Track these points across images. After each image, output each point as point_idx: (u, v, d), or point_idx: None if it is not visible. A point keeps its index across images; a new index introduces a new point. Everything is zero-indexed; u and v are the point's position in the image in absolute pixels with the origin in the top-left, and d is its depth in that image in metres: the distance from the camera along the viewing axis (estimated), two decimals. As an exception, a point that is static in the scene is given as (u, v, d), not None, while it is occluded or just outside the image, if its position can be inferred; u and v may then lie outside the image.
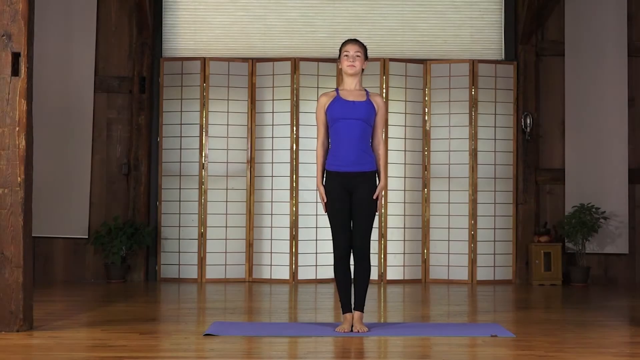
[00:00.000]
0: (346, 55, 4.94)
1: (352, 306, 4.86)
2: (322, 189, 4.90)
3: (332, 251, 7.91)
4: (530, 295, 7.09)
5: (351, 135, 4.81)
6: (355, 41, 5.00)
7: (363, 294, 4.85)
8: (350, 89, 4.92)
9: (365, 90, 4.97)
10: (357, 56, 4.93)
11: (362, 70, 4.98)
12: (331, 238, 4.91)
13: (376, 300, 6.78)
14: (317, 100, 4.99)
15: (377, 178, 4.91)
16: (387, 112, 7.63)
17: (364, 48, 4.99)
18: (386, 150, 4.92)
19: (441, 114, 8.14)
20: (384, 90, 8.03)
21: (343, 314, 4.88)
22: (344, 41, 5.05)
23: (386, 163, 5.01)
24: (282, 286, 7.65)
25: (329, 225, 4.90)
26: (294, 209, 7.99)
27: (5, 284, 4.70)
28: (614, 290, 7.56)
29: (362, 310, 4.86)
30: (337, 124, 4.84)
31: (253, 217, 8.06)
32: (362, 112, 4.83)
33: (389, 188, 7.98)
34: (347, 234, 4.84)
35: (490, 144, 8.15)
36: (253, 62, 8.19)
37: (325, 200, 4.88)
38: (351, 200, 4.85)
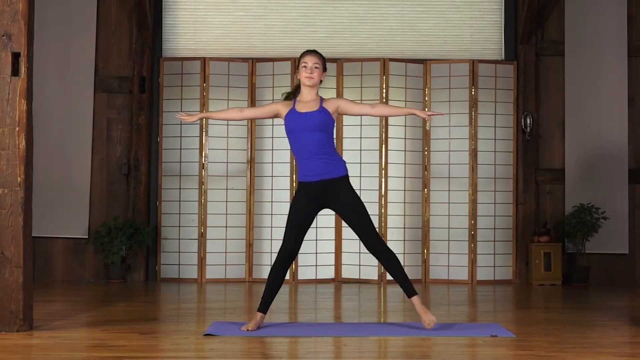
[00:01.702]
0: (304, 67, 4.92)
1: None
2: (195, 116, 5.11)
3: (332, 251, 7.97)
4: (530, 295, 7.09)
5: (309, 146, 4.81)
6: (314, 52, 4.98)
7: (406, 279, 4.84)
8: (307, 100, 4.92)
9: (320, 97, 4.96)
10: (316, 67, 4.91)
11: (321, 81, 4.96)
12: (283, 238, 4.92)
13: (376, 300, 6.79)
14: (278, 101, 5.04)
15: (348, 182, 4.88)
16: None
17: (322, 60, 4.97)
18: (382, 104, 4.93)
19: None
20: (384, 90, 8.03)
21: (257, 310, 4.89)
22: (303, 52, 5.03)
23: (392, 106, 5.10)
24: (282, 286, 7.63)
25: (285, 226, 4.93)
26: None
27: (5, 284, 4.70)
28: (614, 290, 7.56)
29: (417, 293, 4.84)
30: (293, 135, 4.85)
31: (253, 217, 8.06)
32: (316, 121, 4.82)
33: (389, 188, 7.99)
34: (297, 240, 4.86)
35: (490, 144, 8.15)
36: (253, 62, 8.20)
37: (182, 116, 5.10)
38: (336, 210, 4.87)
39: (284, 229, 7.86)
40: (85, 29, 8.10)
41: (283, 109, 4.93)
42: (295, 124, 4.84)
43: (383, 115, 5.20)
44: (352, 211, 4.83)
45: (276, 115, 4.99)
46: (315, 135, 4.82)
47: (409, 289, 4.86)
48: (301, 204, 4.87)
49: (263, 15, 8.36)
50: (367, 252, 7.99)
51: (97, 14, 8.14)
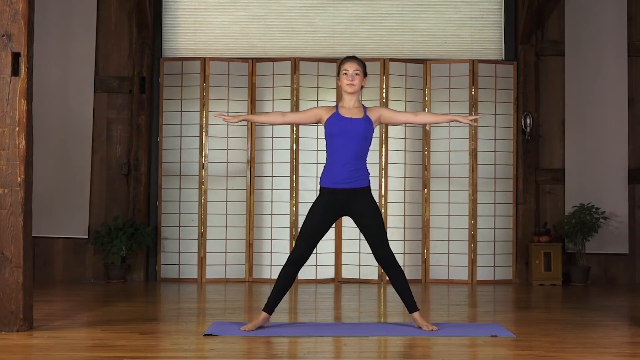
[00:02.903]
0: (345, 74, 4.94)
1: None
2: (237, 118, 4.99)
3: (332, 251, 7.97)
4: (530, 295, 7.09)
5: (347, 153, 4.83)
6: (354, 59, 4.99)
7: (410, 294, 4.89)
8: (349, 107, 4.93)
9: (363, 106, 4.99)
10: (357, 74, 4.93)
11: (362, 87, 4.98)
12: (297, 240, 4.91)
13: (376, 300, 6.79)
14: (319, 106, 5.01)
15: (371, 193, 4.91)
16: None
17: (363, 66, 4.99)
18: (424, 112, 5.00)
19: (441, 114, 8.14)
20: (384, 90, 8.03)
21: (263, 310, 4.89)
22: (343, 58, 5.04)
23: (435, 114, 5.19)
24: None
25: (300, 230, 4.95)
26: (294, 209, 7.99)
27: (5, 284, 4.70)
28: (614, 290, 7.56)
29: (418, 309, 4.91)
30: (334, 140, 4.85)
31: (253, 217, 8.06)
32: (360, 129, 4.85)
33: (389, 188, 7.99)
34: (310, 246, 4.85)
35: (490, 144, 8.15)
36: (253, 62, 8.20)
37: (223, 116, 4.97)
38: (356, 219, 4.88)
39: (284, 229, 7.95)
40: (85, 29, 8.10)
41: (325, 114, 4.92)
42: (339, 128, 4.83)
43: (426, 123, 5.24)
44: (371, 222, 4.85)
45: (318, 121, 4.97)
46: (356, 143, 4.84)
47: (411, 304, 4.89)
48: (321, 212, 4.86)
49: (263, 15, 8.36)
50: (368, 252, 8.02)
51: (97, 14, 8.14)
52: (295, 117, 5.23)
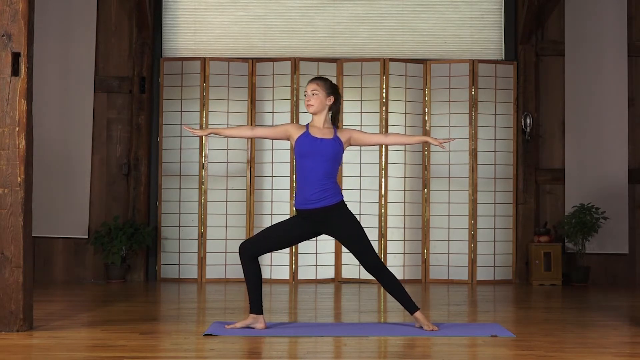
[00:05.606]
0: (305, 94, 4.94)
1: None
2: (206, 131, 5.14)
3: (332, 251, 7.96)
4: (530, 295, 7.10)
5: (316, 173, 4.80)
6: (314, 79, 4.97)
7: (406, 296, 4.87)
8: (319, 127, 4.91)
9: (334, 127, 4.95)
10: (314, 94, 4.88)
11: (328, 106, 4.91)
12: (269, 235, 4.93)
13: (376, 300, 6.79)
14: (290, 123, 5.00)
15: (345, 207, 4.87)
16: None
17: (325, 85, 4.91)
18: (394, 133, 5.01)
19: (441, 114, 8.14)
20: (384, 90, 8.03)
21: (255, 313, 4.86)
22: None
23: (405, 135, 5.09)
24: (282, 286, 7.65)
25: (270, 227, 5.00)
26: (294, 209, 7.99)
27: (5, 284, 4.70)
28: (614, 290, 7.56)
29: (418, 308, 4.87)
30: (304, 160, 4.83)
31: (253, 217, 8.06)
32: (329, 150, 4.82)
33: (389, 188, 7.99)
34: (263, 248, 4.86)
35: (490, 144, 8.15)
36: (253, 62, 8.20)
37: (192, 130, 5.00)
38: (334, 236, 4.90)
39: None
40: (85, 29, 8.10)
41: (295, 132, 4.90)
42: (309, 148, 4.81)
43: (396, 143, 5.24)
44: (350, 237, 4.84)
45: (287, 137, 4.95)
46: (325, 163, 4.82)
47: (410, 305, 4.88)
48: (297, 228, 4.89)
49: (263, 15, 8.37)
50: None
51: (97, 14, 8.14)
52: (265, 132, 5.23)
